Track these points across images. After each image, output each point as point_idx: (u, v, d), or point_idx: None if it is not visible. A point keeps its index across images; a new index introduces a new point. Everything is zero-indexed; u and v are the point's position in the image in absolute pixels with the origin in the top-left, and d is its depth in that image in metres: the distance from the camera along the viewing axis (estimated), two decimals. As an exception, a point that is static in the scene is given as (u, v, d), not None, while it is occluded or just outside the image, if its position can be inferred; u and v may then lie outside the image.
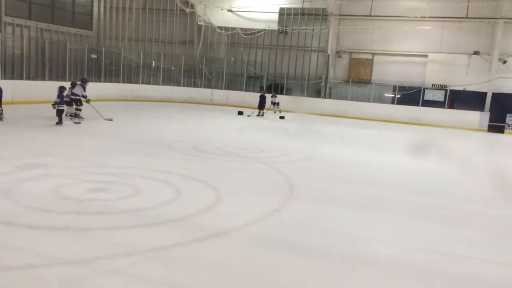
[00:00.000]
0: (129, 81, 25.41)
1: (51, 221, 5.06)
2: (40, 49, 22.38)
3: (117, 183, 6.76)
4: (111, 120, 14.56)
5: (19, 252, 4.17)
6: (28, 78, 20.55)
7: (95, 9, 27.84)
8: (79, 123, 13.37)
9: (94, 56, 24.69)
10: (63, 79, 21.75)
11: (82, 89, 14.61)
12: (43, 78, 20.99)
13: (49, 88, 19.20)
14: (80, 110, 14.53)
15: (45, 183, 6.49)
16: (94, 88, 22.23)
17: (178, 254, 4.37)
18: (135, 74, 26.21)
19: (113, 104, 18.81)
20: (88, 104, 14.62)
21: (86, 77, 16.53)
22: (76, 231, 4.80)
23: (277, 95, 23.00)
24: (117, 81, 24.62)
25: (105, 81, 24.22)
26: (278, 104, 22.47)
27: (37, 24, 22.84)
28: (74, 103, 14.43)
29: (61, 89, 13.00)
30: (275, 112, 22.17)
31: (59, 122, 12.81)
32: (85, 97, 14.56)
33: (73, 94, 14.46)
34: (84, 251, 4.24)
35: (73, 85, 14.93)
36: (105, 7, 28.20)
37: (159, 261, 4.18)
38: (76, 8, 26.31)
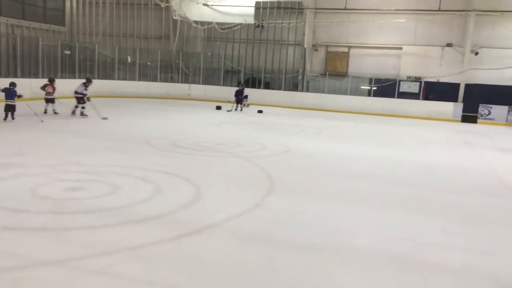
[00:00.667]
0: (104, 77, 25.02)
1: (28, 221, 4.96)
2: (11, 45, 21.87)
3: (94, 181, 6.67)
4: (106, 119, 14.32)
5: (-5, 255, 4.08)
6: (-1, 76, 20.06)
7: (68, 4, 27.27)
8: (38, 119, 12.90)
9: (67, 52, 24.21)
10: (36, 76, 21.32)
11: (84, 87, 14.78)
12: (15, 75, 20.49)
13: (21, 86, 18.75)
14: (84, 108, 14.66)
15: (21, 183, 6.36)
16: (68, 85, 21.86)
17: (159, 252, 4.34)
18: (111, 70, 25.82)
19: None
20: (88, 101, 14.80)
21: (89, 77, 16.70)
22: (54, 231, 4.72)
23: (245, 88, 22.53)
24: (92, 77, 24.11)
25: (79, 77, 23.68)
26: (246, 97, 22.18)
27: (7, 20, 22.23)
28: (77, 101, 14.68)
29: (12, 84, 12.61)
30: (244, 105, 22.00)
31: (6, 118, 12.30)
32: (84, 95, 14.71)
33: (76, 92, 14.70)
34: (62, 252, 4.18)
35: (51, 81, 14.74)
36: (77, 2, 27.66)
37: (139, 259, 4.15)
38: (47, 3, 25.69)
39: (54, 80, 15.21)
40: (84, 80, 15.18)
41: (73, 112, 14.68)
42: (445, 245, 5.03)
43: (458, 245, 5.06)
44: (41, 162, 7.75)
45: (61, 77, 22.81)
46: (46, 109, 14.66)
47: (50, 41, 23.82)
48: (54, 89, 14.87)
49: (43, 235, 4.59)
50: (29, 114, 12.68)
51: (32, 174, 6.90)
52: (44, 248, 4.27)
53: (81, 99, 14.66)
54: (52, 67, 22.95)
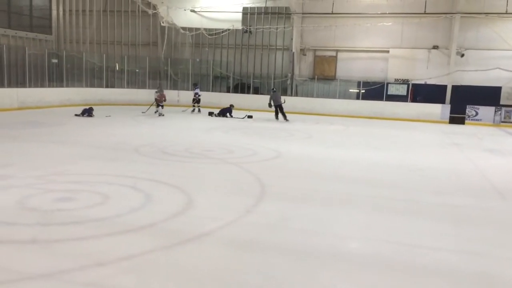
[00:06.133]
0: (92, 85, 24.87)
1: (17, 234, 4.90)
2: (-3, 55, 21.63)
3: (84, 191, 6.62)
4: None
5: (-16, 269, 4.02)
6: (-15, 86, 19.83)
7: (54, 12, 27.07)
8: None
9: (54, 60, 24.03)
10: (23, 85, 21.13)
11: (199, 89, 22.25)
12: (2, 85, 20.26)
13: (8, 95, 18.65)
14: (199, 106, 21.98)
15: (8, 195, 6.29)
16: (56, 94, 21.78)
17: (151, 262, 4.31)
18: (99, 77, 25.67)
19: (77, 109, 18.36)
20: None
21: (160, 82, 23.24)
22: (44, 243, 4.67)
23: (198, 89, 22.18)
24: (80, 86, 24.05)
25: (67, 86, 23.63)
26: (198, 99, 21.89)
27: (-7, 30, 22.05)
28: (195, 102, 21.79)
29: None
30: (193, 111, 21.86)
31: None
32: (199, 95, 21.98)
33: (196, 94, 21.83)
34: (53, 264, 4.14)
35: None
36: (64, 11, 27.47)
37: (131, 270, 4.12)
38: (34, 12, 25.50)
39: (163, 90, 19.86)
40: (197, 86, 22.12)
41: (193, 110, 21.46)
42: (436, 247, 5.06)
43: (448, 247, 5.10)
44: (28, 173, 7.67)
45: (49, 86, 22.64)
46: (157, 110, 19.51)
47: (37, 50, 23.64)
48: (164, 97, 19.53)
49: (33, 248, 4.55)
50: (15, 123, 12.55)
51: (20, 185, 6.83)
52: (35, 261, 4.22)
53: (198, 100, 21.42)
54: (39, 76, 22.76)
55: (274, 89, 22.13)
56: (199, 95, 21.97)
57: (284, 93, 25.87)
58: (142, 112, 19.76)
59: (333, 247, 4.95)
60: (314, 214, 6.11)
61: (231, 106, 20.67)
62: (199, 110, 21.92)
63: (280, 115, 20.07)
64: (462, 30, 23.29)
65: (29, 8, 25.13)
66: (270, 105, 20.17)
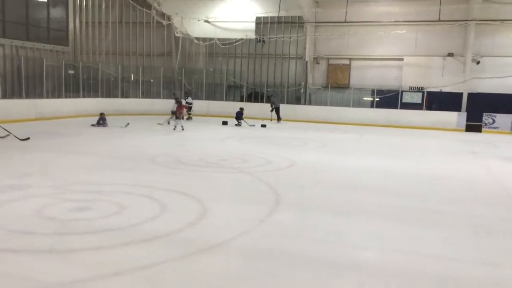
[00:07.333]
0: (108, 95, 25.20)
1: (34, 243, 4.96)
2: (15, 66, 22.07)
3: (100, 201, 6.68)
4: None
5: (1, 278, 4.08)
6: (4, 97, 20.19)
7: (71, 24, 27.56)
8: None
9: (71, 71, 24.46)
10: (40, 96, 21.50)
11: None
12: (20, 96, 20.68)
13: (26, 106, 18.99)
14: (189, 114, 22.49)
15: (26, 204, 6.38)
16: (72, 104, 22.12)
17: (167, 271, 4.33)
18: (114, 88, 26.02)
19: (93, 119, 18.58)
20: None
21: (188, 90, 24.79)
22: (61, 252, 4.72)
23: (190, 97, 23.26)
24: (96, 96, 24.39)
25: (83, 96, 24.00)
26: (190, 107, 22.67)
27: (11, 42, 22.49)
28: (188, 110, 21.84)
29: (101, 114, 17.99)
30: (187, 118, 22.11)
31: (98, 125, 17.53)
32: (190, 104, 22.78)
33: (190, 104, 22.17)
34: (70, 273, 4.18)
35: (179, 102, 18.83)
36: (80, 22, 27.95)
37: (147, 279, 4.14)
38: (51, 24, 25.99)
39: (180, 102, 19.08)
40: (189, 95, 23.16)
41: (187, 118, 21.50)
42: (453, 257, 4.99)
43: (466, 257, 5.02)
44: (47, 182, 7.78)
45: (66, 97, 23.02)
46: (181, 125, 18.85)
47: (54, 61, 24.07)
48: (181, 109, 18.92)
49: (50, 257, 4.60)
50: (33, 134, 12.73)
51: (37, 195, 6.93)
52: (52, 270, 4.27)
53: (190, 108, 22.26)
54: (56, 87, 23.16)
55: (274, 95, 24.84)
56: (190, 103, 22.74)
57: (298, 101, 25.99)
58: (168, 123, 19.64)
59: (348, 256, 4.91)
60: (329, 224, 6.08)
61: (241, 109, 21.08)
62: (190, 118, 22.50)
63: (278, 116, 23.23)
64: (477, 37, 23.10)
65: (46, 20, 25.61)
66: (272, 109, 23.12)
